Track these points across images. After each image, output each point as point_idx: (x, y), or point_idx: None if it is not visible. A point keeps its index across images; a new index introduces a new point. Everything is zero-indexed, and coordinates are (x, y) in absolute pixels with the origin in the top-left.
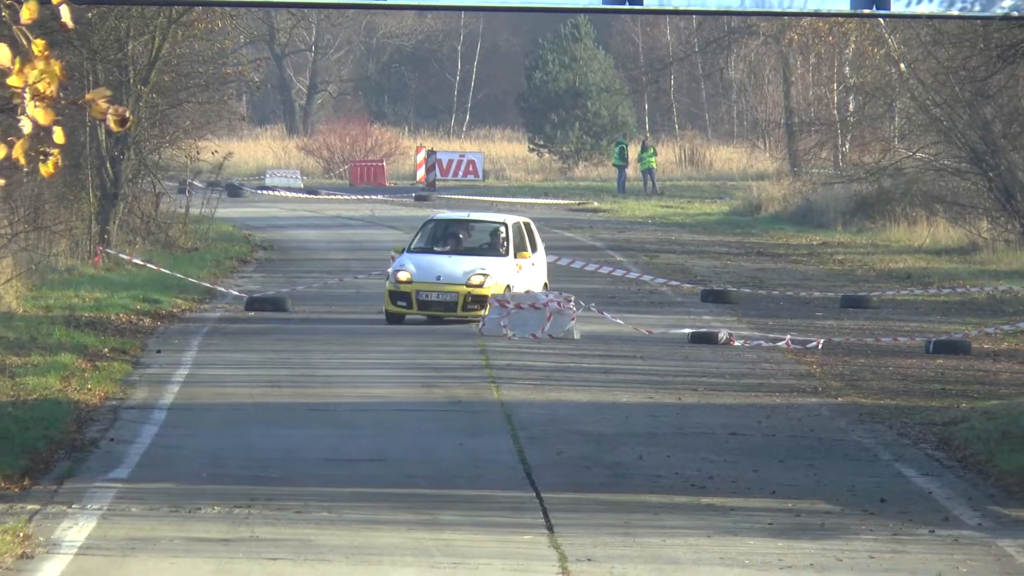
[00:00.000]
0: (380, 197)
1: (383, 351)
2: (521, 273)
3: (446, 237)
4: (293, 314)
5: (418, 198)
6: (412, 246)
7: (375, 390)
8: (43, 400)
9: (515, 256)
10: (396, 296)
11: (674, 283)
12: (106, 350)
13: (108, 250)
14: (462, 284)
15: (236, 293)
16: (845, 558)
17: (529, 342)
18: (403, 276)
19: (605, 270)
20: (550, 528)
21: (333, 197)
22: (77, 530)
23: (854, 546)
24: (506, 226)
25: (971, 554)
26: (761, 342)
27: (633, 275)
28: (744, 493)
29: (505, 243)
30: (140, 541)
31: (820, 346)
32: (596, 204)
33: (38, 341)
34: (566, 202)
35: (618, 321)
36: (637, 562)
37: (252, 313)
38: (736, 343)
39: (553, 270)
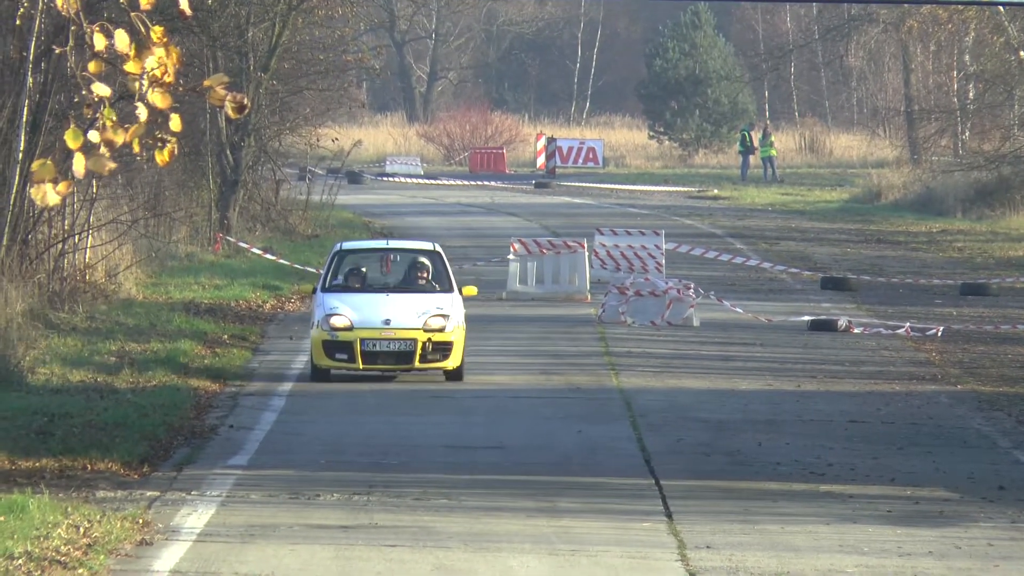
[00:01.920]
0: (499, 184)
1: (503, 338)
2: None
3: (366, 271)
4: None
5: (538, 185)
6: (328, 283)
7: (494, 377)
8: (163, 387)
9: (460, 291)
10: (332, 347)
11: (794, 271)
12: (225, 337)
13: (228, 237)
14: (418, 328)
15: None
16: (964, 545)
17: (648, 329)
18: (340, 321)
19: (724, 257)
20: (669, 515)
21: (453, 183)
22: (196, 517)
23: (972, 533)
24: (440, 255)
25: None
26: (880, 330)
27: (752, 262)
28: (863, 480)
29: (446, 274)
30: (259, 528)
31: (939, 334)
32: (716, 191)
33: (158, 328)
34: (685, 189)
35: (737, 309)
36: (756, 549)
37: None
38: (855, 331)
39: (672, 257)
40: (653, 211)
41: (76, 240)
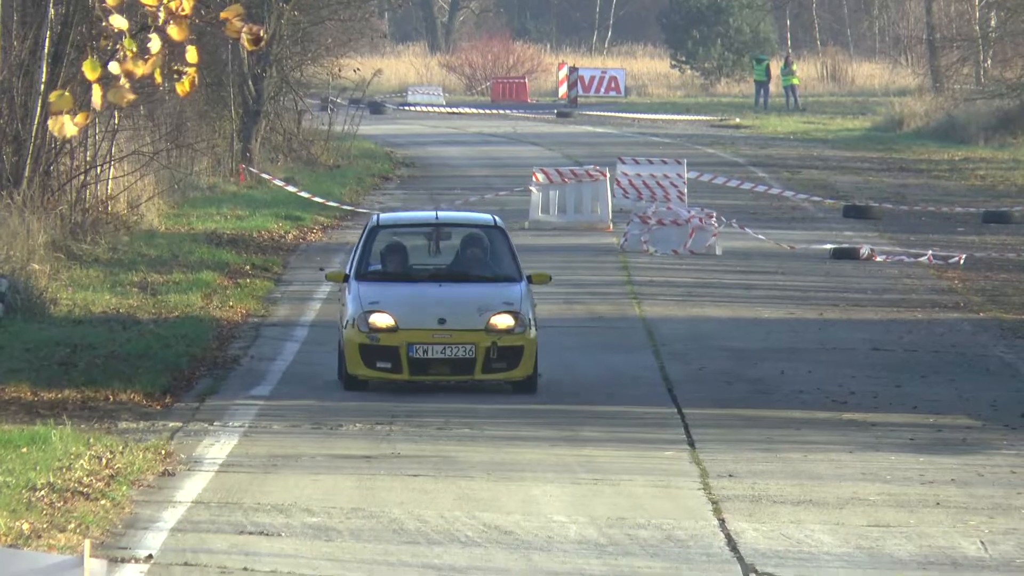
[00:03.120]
0: (521, 114)
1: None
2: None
3: (409, 252)
4: None
5: (560, 115)
6: (360, 269)
7: None
8: (185, 318)
9: (528, 279)
10: (372, 354)
11: (816, 199)
12: (248, 267)
13: (250, 168)
14: (480, 330)
15: (379, 211)
16: (987, 473)
17: (670, 258)
18: (382, 320)
19: (747, 186)
20: (691, 444)
21: (475, 113)
22: (219, 447)
23: (996, 461)
24: (502, 230)
25: None
26: (903, 258)
27: (775, 191)
28: (886, 408)
29: (510, 257)
30: (281, 458)
31: (962, 261)
32: (738, 120)
33: (180, 259)
34: (708, 118)
35: (760, 236)
36: (779, 477)
37: None
38: (878, 259)
39: (694, 186)
40: (675, 140)
41: (98, 171)
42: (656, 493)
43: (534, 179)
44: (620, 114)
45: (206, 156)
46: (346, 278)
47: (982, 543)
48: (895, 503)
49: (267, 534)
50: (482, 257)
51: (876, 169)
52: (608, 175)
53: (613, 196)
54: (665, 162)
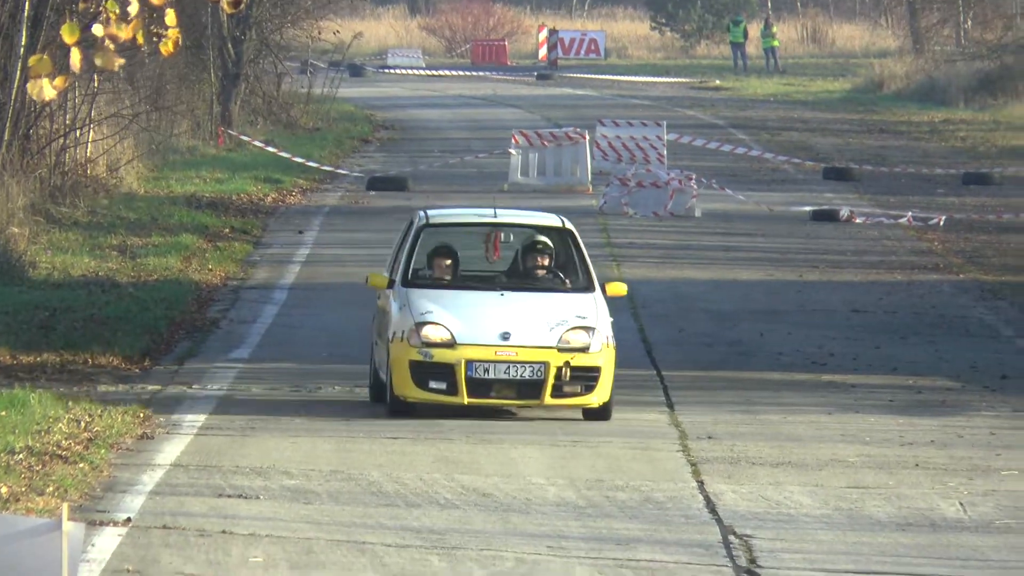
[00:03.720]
0: (501, 76)
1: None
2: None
3: (466, 257)
4: (415, 193)
5: (540, 77)
6: (407, 274)
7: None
8: (164, 280)
9: (603, 289)
10: (425, 372)
11: (796, 161)
12: (227, 230)
13: (229, 131)
14: (552, 347)
15: (358, 174)
16: (966, 434)
17: (650, 220)
18: (437, 334)
19: (726, 148)
20: (671, 406)
21: (455, 75)
22: (197, 410)
23: (975, 422)
24: (573, 234)
25: None
26: (883, 219)
27: (754, 153)
28: (865, 370)
29: (582, 264)
30: (260, 421)
31: (942, 223)
32: (717, 82)
33: (159, 222)
34: (688, 80)
35: (740, 196)
36: (758, 439)
37: (373, 193)
38: (858, 220)
39: (674, 148)
40: (655, 102)
41: (77, 134)
42: (635, 455)
43: (513, 142)
44: (600, 76)
45: (185, 119)
46: (391, 283)
47: (961, 504)
48: (874, 465)
49: (246, 497)
50: (548, 263)
51: (856, 131)
52: (588, 137)
53: (592, 158)
54: (645, 124)
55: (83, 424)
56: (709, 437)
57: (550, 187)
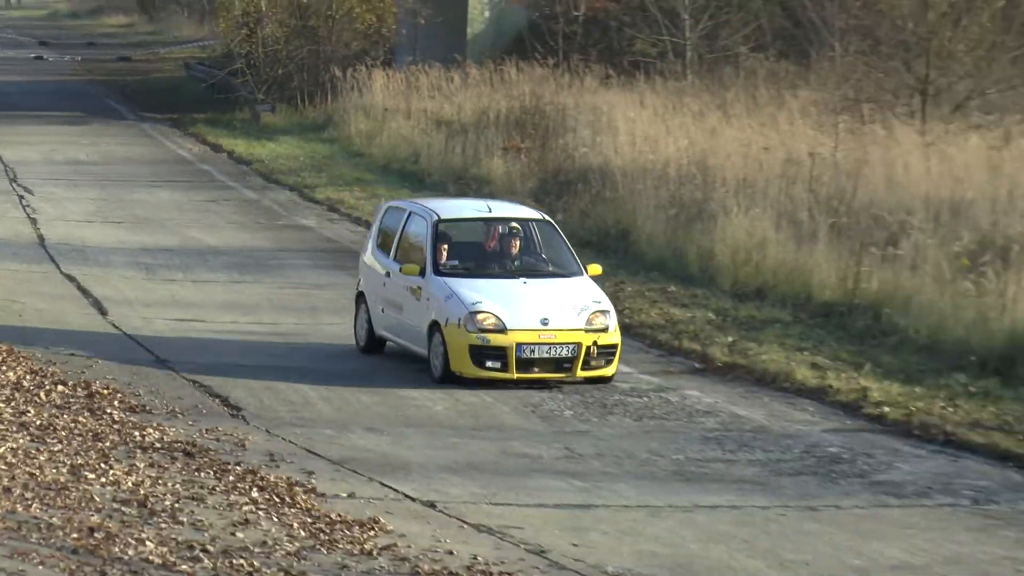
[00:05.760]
0: None
1: None
2: None
3: (485, 247)
4: None
5: None
6: (439, 263)
7: None
8: None
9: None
10: (482, 354)
11: None
12: None
13: None
14: (581, 329)
15: None
16: None
17: None
18: (490, 321)
19: None
20: None
21: None
22: None
23: None
24: (553, 225)
25: None
26: None
27: None
28: None
29: (569, 251)
30: None
31: None
32: None
33: None
34: None
35: None
36: None
37: None
38: None
39: None
40: None
41: None
42: None
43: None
44: None
45: None
46: (422, 272)
47: None
48: None
49: None
50: (543, 251)
51: None
52: None
53: None
54: None
55: None
56: None
57: None
